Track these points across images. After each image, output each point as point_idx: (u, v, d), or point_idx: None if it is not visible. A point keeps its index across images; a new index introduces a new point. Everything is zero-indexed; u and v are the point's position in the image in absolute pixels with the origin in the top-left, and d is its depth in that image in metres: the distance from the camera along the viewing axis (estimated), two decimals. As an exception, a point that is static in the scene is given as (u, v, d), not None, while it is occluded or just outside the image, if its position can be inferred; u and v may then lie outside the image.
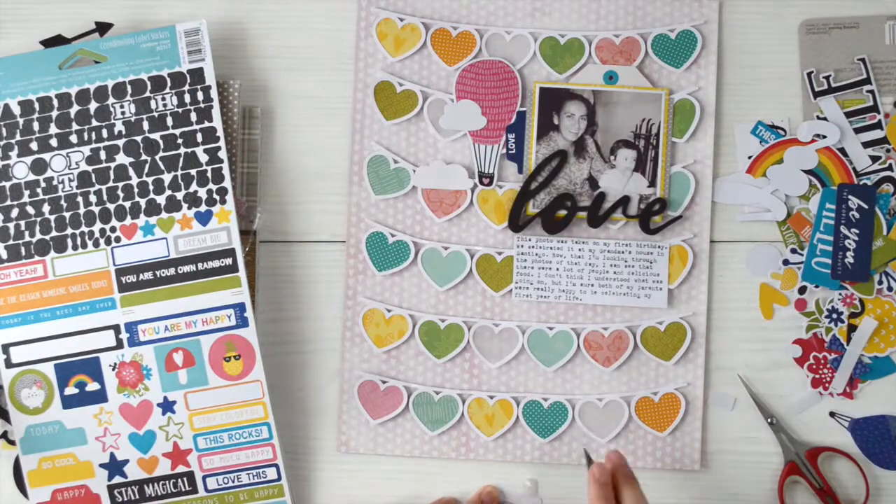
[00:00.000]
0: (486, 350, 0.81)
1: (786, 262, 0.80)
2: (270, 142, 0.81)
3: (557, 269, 0.80)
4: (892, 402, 0.81)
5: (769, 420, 0.80)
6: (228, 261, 0.77)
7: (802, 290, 0.81)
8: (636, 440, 0.81)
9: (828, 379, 0.80)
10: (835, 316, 0.80)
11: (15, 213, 0.77)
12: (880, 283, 0.80)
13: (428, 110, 0.81)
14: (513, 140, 0.80)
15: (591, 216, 0.80)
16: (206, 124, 0.77)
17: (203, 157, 0.77)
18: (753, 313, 0.81)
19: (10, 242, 0.77)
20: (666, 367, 0.81)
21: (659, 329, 0.81)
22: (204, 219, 0.78)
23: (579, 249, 0.80)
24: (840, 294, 0.80)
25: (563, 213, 0.80)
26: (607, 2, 0.81)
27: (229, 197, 0.77)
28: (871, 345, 0.80)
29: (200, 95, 0.77)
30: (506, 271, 0.81)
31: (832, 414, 0.81)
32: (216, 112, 0.77)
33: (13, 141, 0.77)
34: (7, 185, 0.77)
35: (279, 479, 0.78)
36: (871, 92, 0.80)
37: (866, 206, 0.79)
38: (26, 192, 0.77)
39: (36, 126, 0.77)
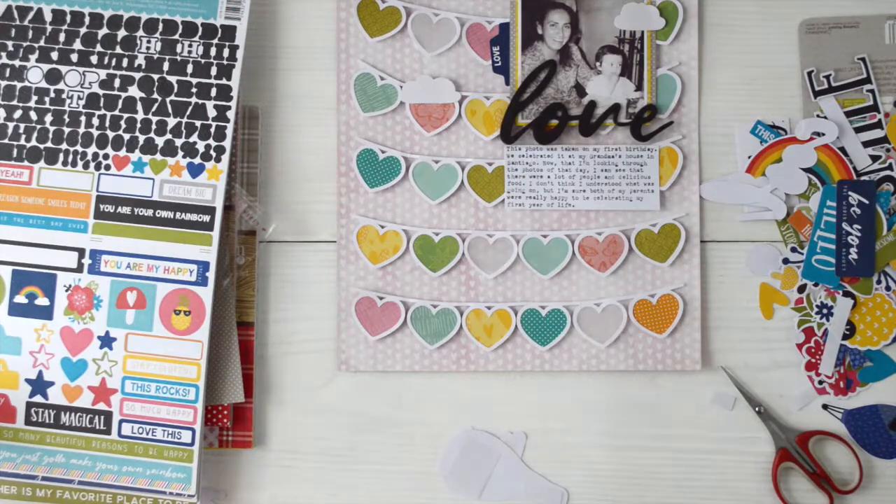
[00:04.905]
0: (481, 261, 0.81)
1: (786, 262, 0.81)
2: (270, 142, 0.81)
3: (549, 177, 0.81)
4: (891, 401, 0.81)
5: (757, 409, 0.80)
6: (206, 218, 0.77)
7: (802, 288, 0.81)
8: (636, 343, 0.81)
9: (818, 363, 0.81)
10: (825, 311, 0.80)
11: (18, 114, 0.78)
12: (879, 282, 0.80)
13: (412, 26, 0.81)
14: (497, 52, 0.81)
15: (583, 125, 0.80)
16: (224, 81, 0.78)
17: (212, 112, 0.78)
18: (753, 313, 0.81)
19: (5, 141, 0.78)
20: (662, 269, 0.81)
21: (653, 231, 0.81)
22: (195, 171, 0.78)
23: (569, 156, 0.81)
24: (823, 288, 0.80)
25: (554, 122, 0.80)
26: None
27: (225, 157, 0.77)
28: (865, 338, 0.80)
29: (226, 52, 0.78)
30: (497, 182, 0.81)
31: (825, 406, 0.81)
32: (237, 72, 0.78)
33: (36, 45, 0.78)
34: (18, 85, 0.78)
35: (192, 443, 0.77)
36: (872, 91, 0.81)
37: (867, 202, 0.79)
38: (34, 98, 0.78)
39: (62, 37, 0.78)
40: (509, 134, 0.80)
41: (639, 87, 0.81)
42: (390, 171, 0.81)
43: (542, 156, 0.81)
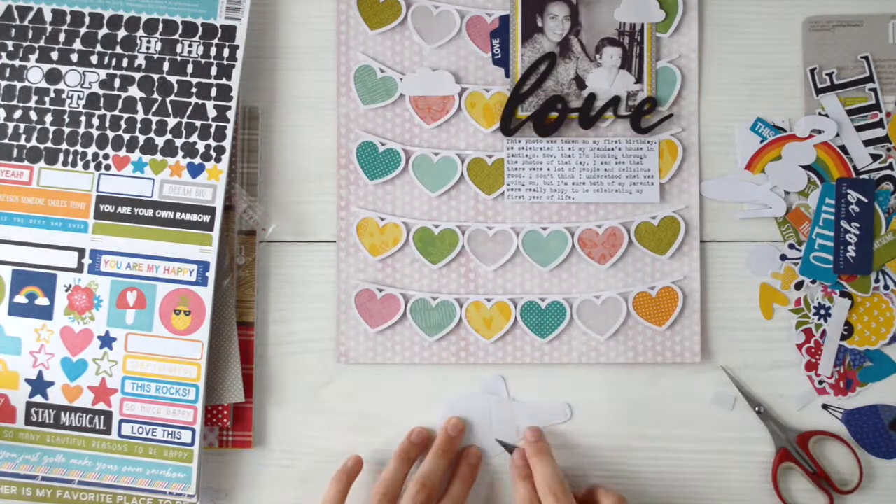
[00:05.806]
0: (481, 253, 0.81)
1: (783, 258, 0.80)
2: (270, 142, 0.81)
3: (548, 170, 0.81)
4: (891, 401, 0.81)
5: (757, 409, 0.80)
6: (206, 218, 0.77)
7: (799, 285, 0.81)
8: (635, 336, 0.81)
9: (818, 363, 0.81)
10: (822, 312, 0.80)
11: (18, 114, 0.78)
12: (877, 281, 0.80)
13: (412, 18, 0.81)
14: (497, 45, 0.81)
15: (583, 117, 0.80)
16: (224, 81, 0.78)
17: (212, 113, 0.78)
18: (753, 313, 0.81)
19: (5, 141, 0.78)
20: (661, 262, 0.81)
21: (652, 224, 0.81)
22: (195, 171, 0.78)
23: (569, 149, 0.81)
24: (821, 288, 0.80)
25: (554, 115, 0.80)
26: None
27: (225, 157, 0.77)
28: (863, 338, 0.80)
29: (226, 52, 0.78)
30: (497, 174, 0.81)
31: (825, 406, 0.81)
32: (237, 72, 0.78)
33: (36, 45, 0.78)
34: (19, 85, 0.78)
35: (192, 444, 0.77)
36: (874, 90, 0.81)
37: (865, 200, 0.79)
38: (34, 98, 0.78)
39: (62, 37, 0.78)
40: (509, 126, 0.80)
41: (639, 80, 0.81)
42: (390, 164, 0.81)
43: (541, 148, 0.81)
